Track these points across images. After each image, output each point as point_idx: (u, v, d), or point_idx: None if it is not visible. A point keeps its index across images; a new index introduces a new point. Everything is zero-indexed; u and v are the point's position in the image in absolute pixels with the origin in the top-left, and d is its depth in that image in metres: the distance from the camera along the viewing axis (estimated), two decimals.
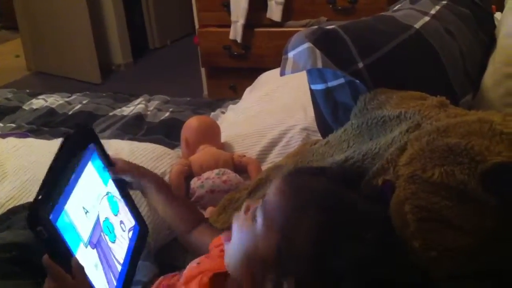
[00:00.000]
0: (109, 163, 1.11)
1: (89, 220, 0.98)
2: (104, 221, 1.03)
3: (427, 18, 1.32)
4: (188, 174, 1.50)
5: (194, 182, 1.46)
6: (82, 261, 0.89)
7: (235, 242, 0.87)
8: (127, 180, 1.13)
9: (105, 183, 1.08)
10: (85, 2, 3.87)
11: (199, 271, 0.94)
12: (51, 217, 0.86)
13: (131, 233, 1.11)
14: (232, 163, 1.53)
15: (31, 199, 1.29)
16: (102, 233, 1.00)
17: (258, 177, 1.28)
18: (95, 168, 1.05)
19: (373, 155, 0.98)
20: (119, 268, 1.02)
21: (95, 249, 0.96)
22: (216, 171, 1.46)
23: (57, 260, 0.86)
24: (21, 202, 1.33)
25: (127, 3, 4.37)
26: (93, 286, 0.90)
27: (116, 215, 1.08)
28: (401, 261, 0.81)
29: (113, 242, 1.03)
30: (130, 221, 1.12)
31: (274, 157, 1.56)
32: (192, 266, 0.97)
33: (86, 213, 0.97)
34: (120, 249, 1.05)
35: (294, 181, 0.85)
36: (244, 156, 1.56)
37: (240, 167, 1.54)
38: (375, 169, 0.94)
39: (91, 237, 0.96)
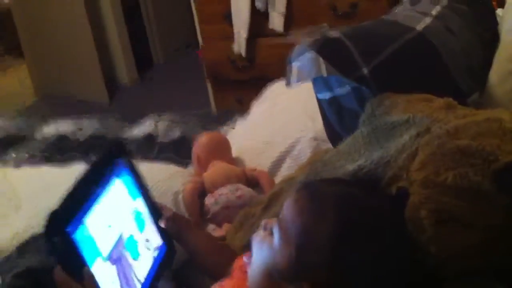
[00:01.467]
0: (140, 180, 1.11)
1: (111, 236, 0.98)
2: (128, 237, 1.03)
3: (428, 19, 1.32)
4: (202, 191, 1.50)
5: (208, 199, 1.46)
6: (98, 275, 0.91)
7: (256, 260, 0.88)
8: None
9: (134, 198, 1.08)
10: (87, 23, 3.89)
11: None
12: (68, 229, 0.87)
13: (156, 252, 1.11)
14: (244, 178, 1.54)
15: None
16: (124, 250, 1.01)
17: (272, 191, 1.28)
18: (124, 183, 1.06)
19: (385, 163, 0.98)
20: (139, 286, 1.02)
21: (114, 265, 0.97)
22: (229, 186, 1.47)
23: (70, 272, 0.88)
24: (37, 230, 1.34)
25: (128, 20, 4.39)
26: None
27: (141, 232, 1.08)
28: (414, 263, 0.82)
29: (135, 259, 1.03)
30: (157, 240, 1.12)
31: (285, 169, 1.56)
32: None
33: (109, 227, 0.98)
34: (142, 267, 1.05)
35: (306, 191, 0.87)
36: (256, 169, 1.57)
37: (252, 181, 1.54)
38: (388, 177, 0.94)
39: (111, 252, 0.97)
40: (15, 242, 1.31)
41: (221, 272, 1.09)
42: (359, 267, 0.77)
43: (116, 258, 0.98)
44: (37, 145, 2.11)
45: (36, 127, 2.26)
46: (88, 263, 0.90)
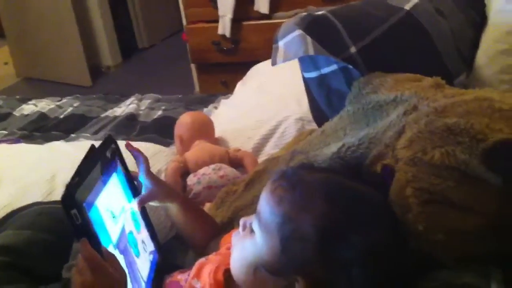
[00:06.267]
0: (132, 183, 1.06)
1: (116, 226, 0.94)
2: (128, 233, 0.99)
3: None
4: (184, 171, 1.48)
5: (191, 179, 1.44)
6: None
7: (238, 258, 0.86)
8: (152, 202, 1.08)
9: (129, 199, 1.04)
10: (70, 5, 3.84)
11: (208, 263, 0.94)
12: (84, 204, 0.83)
13: (151, 256, 1.06)
14: (227, 158, 1.52)
15: (27, 203, 1.29)
16: (127, 244, 0.96)
17: (255, 169, 1.26)
18: (120, 181, 1.02)
19: (369, 140, 0.96)
20: (143, 284, 0.97)
21: (122, 255, 0.92)
22: (212, 166, 1.45)
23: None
24: (16, 207, 1.30)
25: (113, 4, 4.34)
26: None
27: (138, 232, 1.04)
28: (404, 246, 0.80)
29: (138, 257, 0.99)
30: (150, 245, 1.08)
31: (269, 149, 1.55)
32: (200, 262, 0.96)
33: (113, 217, 0.94)
34: (143, 266, 1.00)
35: (283, 180, 0.83)
36: (239, 150, 1.55)
37: (236, 161, 1.52)
38: (373, 154, 0.92)
39: (118, 242, 0.92)
40: None
41: (206, 243, 1.07)
42: (350, 253, 0.74)
43: (123, 249, 0.93)
44: (16, 123, 2.07)
45: (15, 106, 2.22)
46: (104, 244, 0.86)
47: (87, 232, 0.82)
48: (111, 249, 0.87)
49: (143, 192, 1.04)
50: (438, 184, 0.82)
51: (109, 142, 1.01)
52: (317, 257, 0.75)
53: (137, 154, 1.07)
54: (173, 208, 1.08)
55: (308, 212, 0.77)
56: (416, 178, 0.83)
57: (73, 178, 0.84)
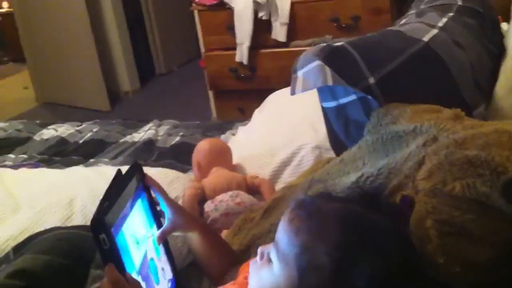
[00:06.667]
0: (155, 209, 1.06)
1: (139, 252, 0.95)
2: (150, 259, 0.99)
3: (435, 31, 1.32)
4: (202, 197, 1.49)
5: (208, 206, 1.44)
6: None
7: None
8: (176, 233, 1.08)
9: (151, 225, 1.04)
10: (90, 31, 3.91)
11: None
12: (112, 230, 0.84)
13: (169, 284, 1.06)
14: (245, 185, 1.52)
15: (45, 228, 1.30)
16: (149, 270, 0.96)
17: (273, 196, 1.26)
18: (143, 207, 1.02)
19: (389, 170, 0.96)
20: None
21: (144, 282, 0.92)
22: (229, 193, 1.45)
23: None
24: (35, 231, 1.32)
25: (132, 30, 4.41)
26: None
27: (159, 259, 1.04)
28: (421, 277, 0.79)
29: (158, 284, 0.99)
30: (169, 272, 1.07)
31: (287, 177, 1.55)
32: None
33: (137, 243, 0.94)
34: None
35: (300, 210, 0.83)
36: (257, 177, 1.55)
37: (253, 188, 1.52)
38: (392, 185, 0.92)
39: (141, 268, 0.93)
40: (12, 243, 1.28)
41: (222, 272, 1.07)
42: (362, 280, 0.74)
43: (145, 275, 0.94)
44: (36, 147, 2.09)
45: (35, 131, 2.25)
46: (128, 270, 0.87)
47: (113, 257, 0.83)
48: (134, 275, 0.88)
49: (165, 222, 1.05)
50: (458, 216, 0.81)
51: (135, 168, 1.02)
52: (331, 284, 0.75)
53: (152, 185, 1.07)
54: (193, 235, 1.09)
55: (323, 241, 0.77)
56: (436, 209, 0.83)
57: (102, 202, 0.86)
